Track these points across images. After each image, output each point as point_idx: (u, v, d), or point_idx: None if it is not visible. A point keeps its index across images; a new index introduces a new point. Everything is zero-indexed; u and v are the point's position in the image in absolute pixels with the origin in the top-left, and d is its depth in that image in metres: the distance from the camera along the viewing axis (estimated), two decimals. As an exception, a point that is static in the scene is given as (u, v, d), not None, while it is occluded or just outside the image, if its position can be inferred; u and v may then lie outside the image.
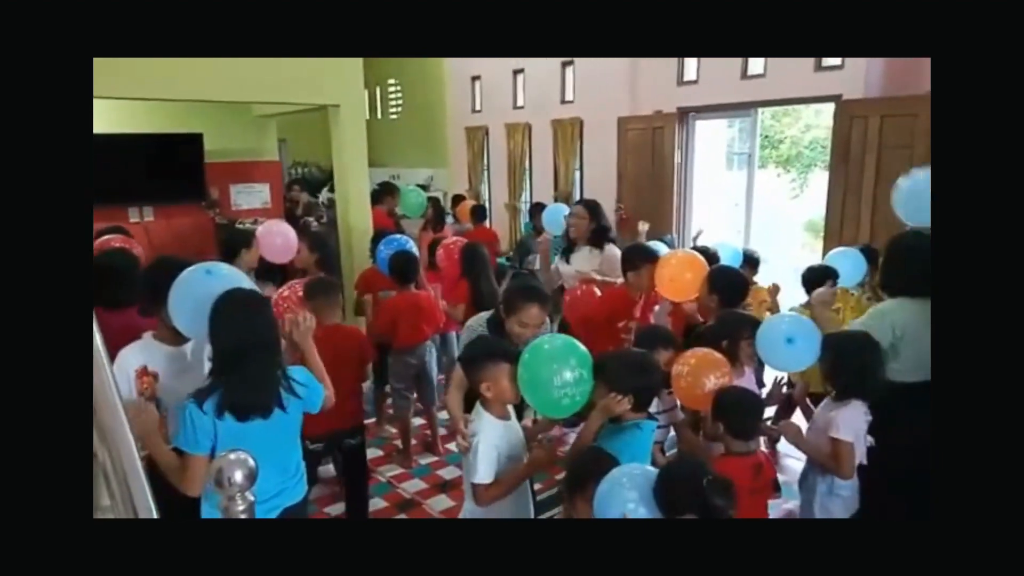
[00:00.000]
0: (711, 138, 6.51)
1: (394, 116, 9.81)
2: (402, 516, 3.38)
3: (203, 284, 1.97)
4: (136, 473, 1.42)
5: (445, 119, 9.17)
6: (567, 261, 4.03)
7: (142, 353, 2.12)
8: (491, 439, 2.01)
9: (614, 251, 3.78)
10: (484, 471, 1.97)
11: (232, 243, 3.53)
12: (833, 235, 4.77)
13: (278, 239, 3.60)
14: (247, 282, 2.10)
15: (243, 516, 1.39)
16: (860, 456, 2.34)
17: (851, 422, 2.22)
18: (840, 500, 2.32)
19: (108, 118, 5.22)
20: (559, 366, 1.92)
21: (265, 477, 1.87)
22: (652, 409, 2.45)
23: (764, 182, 12.42)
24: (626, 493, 1.56)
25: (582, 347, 2.03)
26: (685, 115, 5.88)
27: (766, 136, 13.32)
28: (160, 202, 5.56)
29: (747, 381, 2.60)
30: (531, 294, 2.47)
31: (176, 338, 2.14)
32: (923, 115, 4.19)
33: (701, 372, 2.31)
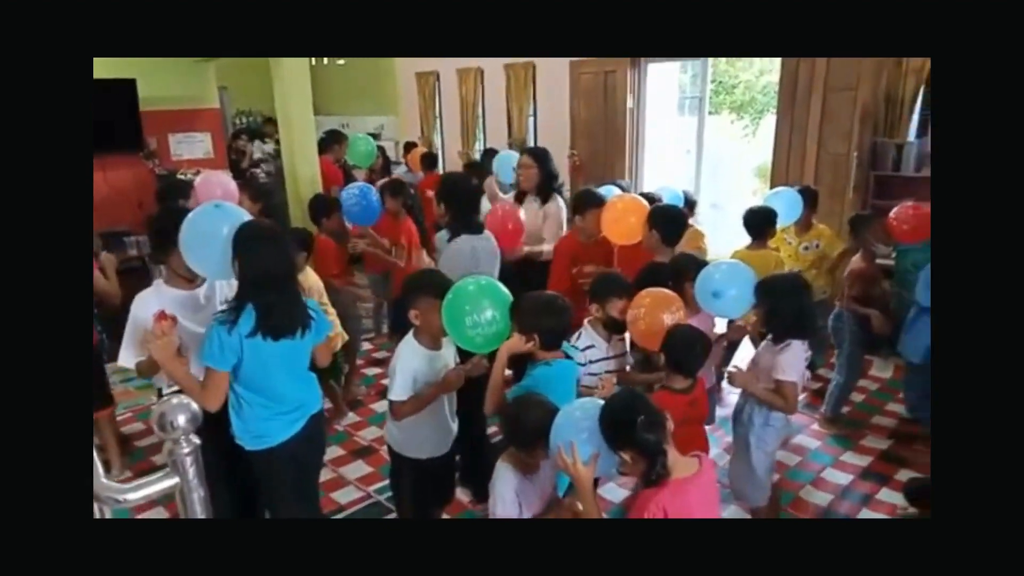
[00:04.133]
0: (664, 84, 6.49)
1: (341, 62, 9.47)
2: (359, 462, 3.43)
3: (214, 218, 2.01)
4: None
5: (394, 65, 8.91)
6: None
7: (157, 299, 2.18)
8: (409, 363, 2.17)
9: (556, 206, 3.74)
10: (398, 389, 2.15)
11: (169, 193, 3.43)
12: (780, 177, 4.86)
13: (217, 189, 3.49)
14: (249, 217, 2.12)
15: (188, 459, 1.39)
16: (801, 385, 2.47)
17: (793, 363, 2.32)
18: (773, 430, 2.44)
19: (32, 63, 4.90)
20: (473, 306, 2.02)
21: (290, 389, 2.11)
22: (600, 355, 2.50)
23: (718, 127, 12.52)
24: (579, 423, 1.62)
25: (504, 291, 2.10)
26: (637, 60, 5.83)
27: (720, 82, 13.30)
28: (94, 152, 5.30)
29: (700, 320, 2.66)
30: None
31: (188, 283, 2.23)
32: (866, 59, 4.26)
33: (657, 310, 2.37)
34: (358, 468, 3.40)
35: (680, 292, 2.55)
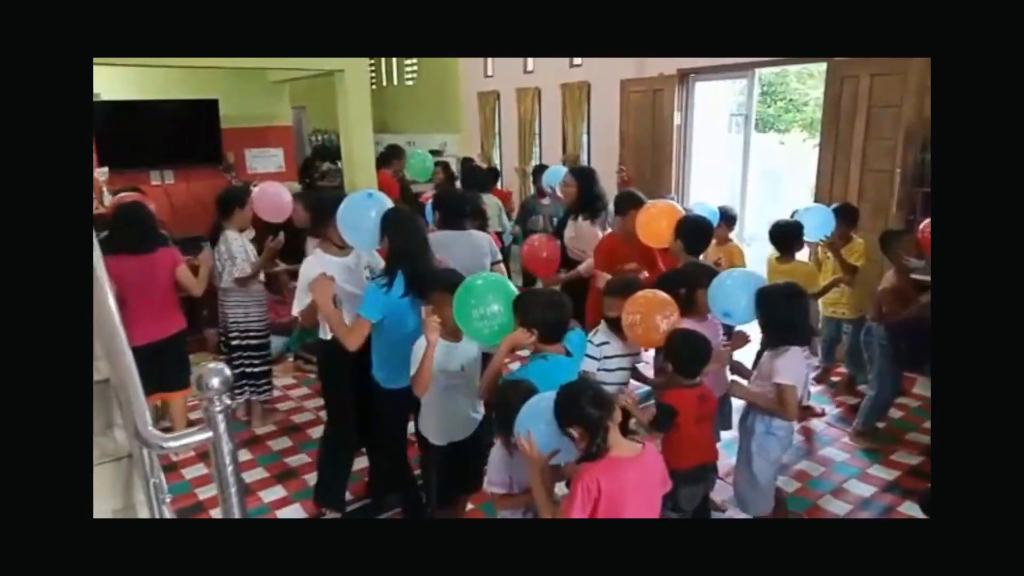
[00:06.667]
0: (714, 101, 6.53)
1: (410, 83, 9.95)
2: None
3: (366, 204, 2.61)
4: (135, 385, 1.65)
5: (458, 85, 9.29)
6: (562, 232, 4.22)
7: (319, 264, 2.76)
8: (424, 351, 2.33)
9: (588, 224, 3.89)
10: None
11: (227, 202, 3.75)
12: (824, 194, 4.85)
13: (272, 199, 3.78)
14: (391, 204, 2.68)
15: (220, 416, 1.63)
16: (803, 397, 2.53)
17: (791, 368, 2.38)
18: (775, 439, 2.50)
19: (128, 85, 5.48)
20: (480, 301, 2.19)
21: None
22: (614, 352, 2.64)
23: (787, 146, 12.29)
24: (541, 412, 1.77)
25: (510, 287, 2.27)
26: (685, 76, 5.94)
27: (791, 100, 13.09)
28: (179, 165, 5.85)
29: (710, 326, 2.76)
30: None
31: (340, 250, 2.81)
32: (910, 74, 4.24)
33: (652, 315, 2.48)
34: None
35: (692, 299, 2.67)
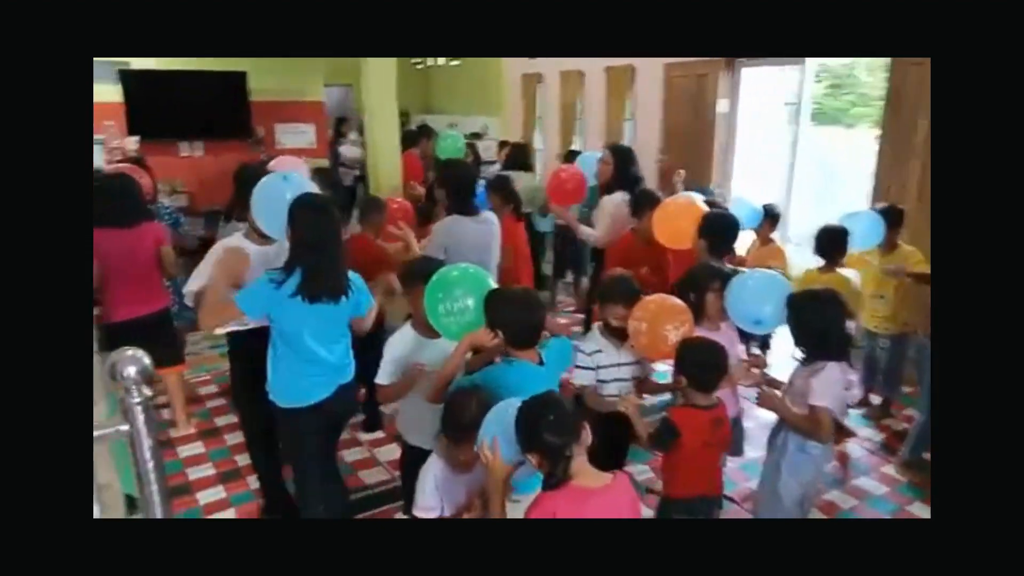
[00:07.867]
0: (774, 89, 6.09)
1: (455, 64, 9.74)
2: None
3: (279, 188, 2.26)
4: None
5: (503, 67, 9.04)
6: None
7: (236, 245, 2.46)
8: (396, 349, 2.18)
9: (612, 201, 3.65)
10: (381, 373, 2.16)
11: (245, 178, 3.62)
12: (881, 191, 4.43)
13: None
14: (314, 188, 2.37)
15: (138, 408, 1.46)
16: (840, 415, 2.25)
17: (827, 387, 2.11)
18: (810, 458, 2.22)
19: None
20: (446, 294, 1.97)
21: (322, 353, 2.21)
22: (610, 361, 2.38)
23: (856, 140, 11.62)
24: (509, 421, 1.55)
25: (486, 280, 2.03)
26: (732, 61, 5.54)
27: (861, 93, 12.40)
28: (209, 138, 5.79)
29: (724, 335, 2.48)
30: None
31: (263, 239, 2.45)
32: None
33: (659, 323, 2.23)
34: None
35: (701, 304, 2.40)
